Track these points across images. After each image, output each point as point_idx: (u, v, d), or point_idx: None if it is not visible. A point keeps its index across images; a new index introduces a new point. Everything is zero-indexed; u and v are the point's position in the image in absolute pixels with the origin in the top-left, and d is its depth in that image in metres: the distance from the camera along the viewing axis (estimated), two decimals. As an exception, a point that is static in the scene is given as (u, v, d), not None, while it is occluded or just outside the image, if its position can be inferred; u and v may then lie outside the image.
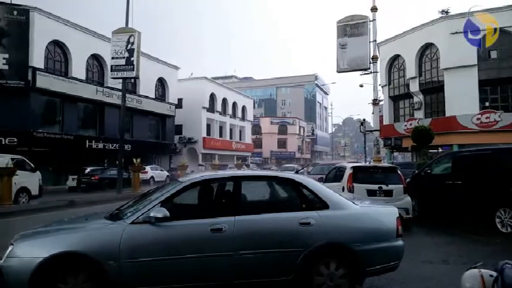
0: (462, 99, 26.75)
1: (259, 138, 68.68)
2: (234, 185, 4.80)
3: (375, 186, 9.70)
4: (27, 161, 16.33)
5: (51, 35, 26.65)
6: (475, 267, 2.84)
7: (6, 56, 24.35)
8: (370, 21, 18.20)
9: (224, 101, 50.48)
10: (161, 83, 39.53)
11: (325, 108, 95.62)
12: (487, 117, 25.96)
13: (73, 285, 3.92)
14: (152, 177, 29.90)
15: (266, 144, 69.49)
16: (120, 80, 22.00)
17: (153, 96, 37.37)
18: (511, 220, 8.88)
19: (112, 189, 21.52)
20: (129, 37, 20.82)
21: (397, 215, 4.89)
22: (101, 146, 29.73)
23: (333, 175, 11.79)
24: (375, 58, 18.24)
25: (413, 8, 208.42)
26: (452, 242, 8.48)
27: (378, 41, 19.40)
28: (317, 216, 4.56)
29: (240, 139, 56.03)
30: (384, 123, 33.72)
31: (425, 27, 29.98)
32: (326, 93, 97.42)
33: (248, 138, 58.70)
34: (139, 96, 34.78)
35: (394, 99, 35.17)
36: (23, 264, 3.89)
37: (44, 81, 25.62)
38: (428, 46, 30.26)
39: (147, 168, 29.81)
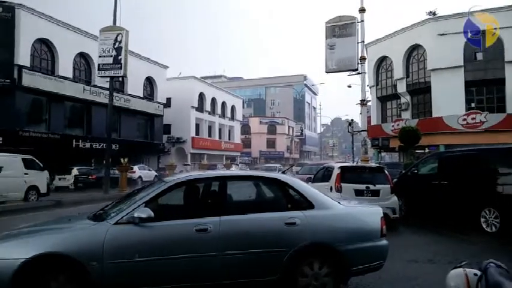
0: (448, 100, 27.05)
1: (248, 138, 68.65)
2: (219, 185, 4.78)
3: (363, 186, 9.76)
4: (36, 160, 16.79)
5: (37, 32, 26.23)
6: (460, 267, 2.84)
7: (-9, 53, 23.91)
8: (358, 22, 18.30)
9: (213, 100, 50.31)
10: (149, 82, 39.22)
11: (314, 108, 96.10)
12: (473, 118, 26.29)
13: (55, 287, 3.85)
14: (140, 177, 29.66)
15: (255, 144, 69.51)
16: (108, 79, 21.77)
17: (141, 96, 37.04)
18: (496, 220, 8.98)
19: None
20: (117, 35, 20.61)
21: (382, 215, 4.91)
22: (88, 145, 29.37)
23: (321, 175, 11.84)
24: (363, 59, 18.34)
25: (401, 9, 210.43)
26: (439, 242, 8.56)
27: (366, 42, 19.54)
28: (302, 216, 4.56)
29: (229, 139, 55.93)
30: (372, 124, 33.96)
31: (412, 28, 30.24)
32: (315, 94, 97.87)
33: (237, 138, 58.63)
34: (127, 95, 34.46)
35: (382, 99, 35.43)
36: (5, 265, 3.80)
37: (30, 80, 25.21)
38: (415, 47, 30.53)
39: (135, 168, 29.54)
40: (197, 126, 47.05)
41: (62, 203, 16.06)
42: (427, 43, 29.02)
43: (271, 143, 71.62)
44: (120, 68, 20.45)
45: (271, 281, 4.36)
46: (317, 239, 4.51)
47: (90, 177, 24.26)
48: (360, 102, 19.05)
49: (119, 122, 33.87)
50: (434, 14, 31.11)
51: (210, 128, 50.25)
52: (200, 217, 4.38)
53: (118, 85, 32.07)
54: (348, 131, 36.51)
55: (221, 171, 7.17)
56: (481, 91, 27.69)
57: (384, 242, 4.78)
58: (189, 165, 41.17)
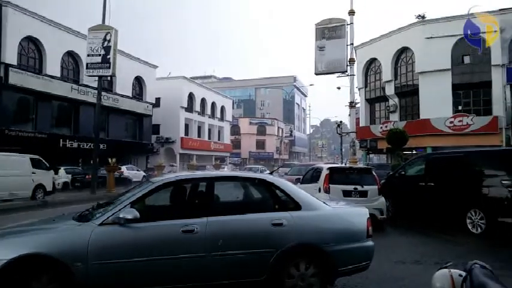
0: (436, 102, 27.33)
1: (238, 139, 68.61)
2: (206, 185, 4.75)
3: (351, 187, 9.82)
4: (42, 160, 17.48)
5: (25, 30, 25.85)
6: (445, 267, 2.86)
7: (-23, 51, 23.55)
8: (347, 24, 18.41)
9: (203, 101, 50.16)
10: (138, 81, 38.96)
11: (304, 109, 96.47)
12: (459, 121, 26.60)
13: None
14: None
15: (245, 145, 69.51)
16: (96, 78, 21.58)
17: (130, 95, 36.79)
18: (481, 221, 9.09)
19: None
20: (106, 34, 20.47)
21: (368, 216, 4.94)
22: (75, 145, 29.07)
23: (310, 176, 11.88)
24: (352, 61, 18.45)
25: (390, 12, 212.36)
26: (425, 243, 8.64)
27: (355, 44, 19.66)
28: (289, 217, 4.56)
29: (219, 139, 55.80)
30: (360, 125, 34.17)
31: (401, 31, 30.52)
32: (304, 95, 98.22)
33: (227, 138, 58.53)
34: (116, 94, 34.19)
35: (371, 101, 35.68)
36: None
37: (17, 78, 24.86)
38: (403, 50, 30.82)
39: (123, 168, 29.30)
40: (186, 126, 46.88)
41: (48, 203, 15.95)
42: (415, 46, 29.31)
43: (260, 144, 71.70)
44: (109, 68, 20.31)
45: (258, 282, 4.35)
46: (304, 239, 4.51)
47: (87, 177, 24.09)
48: (348, 104, 19.15)
49: (107, 122, 33.60)
50: (423, 17, 31.42)
51: (199, 128, 50.10)
52: (187, 218, 4.35)
53: (106, 84, 31.83)
54: (337, 133, 36.76)
55: (208, 172, 7.12)
56: (468, 94, 28.04)
57: (370, 242, 4.80)
58: (175, 165, 40.83)
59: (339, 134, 36.34)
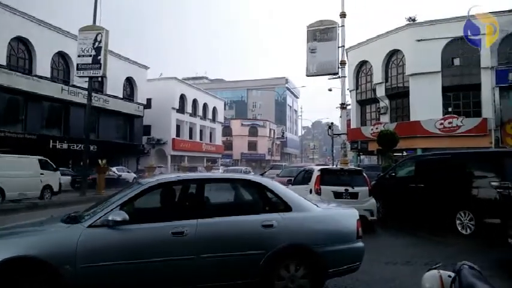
0: (426, 104, 27.54)
1: (230, 140, 68.50)
2: (197, 187, 4.73)
3: (341, 189, 9.86)
4: (50, 162, 18.52)
5: (14, 30, 25.57)
6: (435, 268, 2.89)
7: (-35, 51, 23.27)
8: (339, 26, 18.45)
9: (194, 102, 49.99)
10: (129, 82, 38.72)
11: (295, 111, 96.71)
12: (449, 122, 26.82)
13: None
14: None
15: (237, 146, 69.43)
16: (87, 79, 21.41)
17: (121, 96, 36.52)
18: (471, 222, 9.17)
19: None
20: (97, 35, 20.30)
21: (358, 217, 4.96)
22: (65, 146, 28.81)
23: (301, 177, 11.92)
24: (343, 63, 18.49)
25: (381, 15, 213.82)
26: (415, 244, 8.69)
27: (346, 47, 19.70)
28: (280, 218, 4.56)
29: (211, 141, 55.64)
30: (352, 127, 34.29)
31: (392, 34, 30.70)
32: (296, 97, 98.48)
33: (218, 140, 58.40)
34: (107, 95, 33.95)
35: (362, 103, 35.83)
36: None
37: (6, 79, 24.56)
38: (394, 52, 31.00)
39: (114, 169, 29.08)
40: (178, 127, 46.66)
41: (37, 204, 15.77)
42: (406, 48, 29.51)
43: (252, 145, 71.67)
44: (100, 68, 20.15)
45: (249, 284, 4.34)
46: (294, 240, 4.52)
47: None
48: (340, 105, 19.20)
49: (98, 123, 33.31)
50: (413, 20, 31.63)
51: (191, 129, 49.89)
52: (177, 220, 4.33)
53: (97, 85, 31.59)
54: (328, 134, 36.81)
55: (199, 174, 7.10)
56: (457, 96, 28.28)
57: (360, 244, 4.82)
58: (163, 167, 40.24)
59: (330, 135, 36.41)
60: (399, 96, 31.12)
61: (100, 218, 4.12)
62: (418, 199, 10.57)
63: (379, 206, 10.75)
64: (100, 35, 20.25)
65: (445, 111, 27.93)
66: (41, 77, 27.36)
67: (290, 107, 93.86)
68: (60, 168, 24.59)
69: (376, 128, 29.68)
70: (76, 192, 21.11)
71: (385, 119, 31.77)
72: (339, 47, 18.39)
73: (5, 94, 25.29)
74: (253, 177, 5.73)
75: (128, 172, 32.15)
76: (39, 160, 17.67)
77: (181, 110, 46.54)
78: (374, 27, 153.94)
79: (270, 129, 75.42)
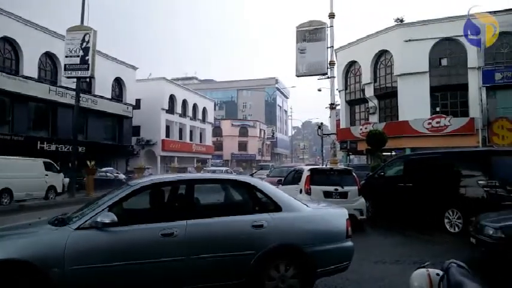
0: (414, 104, 27.80)
1: (220, 141, 68.40)
2: (186, 188, 4.70)
3: (331, 188, 9.91)
4: (54, 164, 19.72)
5: (0, 30, 25.15)
6: (423, 267, 2.91)
7: (-51, 51, 22.86)
8: (327, 27, 18.55)
9: (184, 102, 49.73)
10: (118, 83, 38.38)
11: (285, 111, 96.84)
12: (437, 122, 27.09)
13: None
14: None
15: (227, 147, 69.34)
16: (75, 80, 21.19)
17: (110, 97, 36.15)
18: (459, 220, 9.27)
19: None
20: (85, 35, 20.15)
21: (347, 217, 4.99)
22: (53, 147, 28.42)
23: (291, 177, 11.94)
24: (332, 63, 18.60)
25: (368, 17, 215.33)
26: (404, 242, 8.76)
27: (335, 47, 19.82)
28: (270, 219, 4.56)
29: (201, 141, 55.43)
30: (341, 127, 34.48)
31: (380, 34, 30.91)
32: (286, 97, 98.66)
33: (209, 140, 58.21)
34: (95, 96, 33.58)
35: (351, 103, 36.03)
36: None
37: (-9, 79, 24.20)
38: (383, 53, 31.22)
39: (107, 169, 28.86)
40: (167, 128, 46.40)
41: (25, 206, 15.59)
42: (394, 49, 29.74)
43: (243, 146, 71.65)
44: (87, 69, 20.00)
45: (239, 284, 4.33)
46: (284, 241, 4.52)
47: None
48: (329, 105, 19.29)
49: (86, 124, 32.93)
50: (401, 21, 31.93)
51: (180, 130, 49.64)
52: (166, 221, 4.30)
53: (85, 86, 31.25)
54: (318, 134, 36.94)
55: (188, 174, 7.07)
56: (445, 96, 28.58)
57: (349, 243, 4.84)
58: (150, 168, 39.70)
59: (320, 135, 36.55)
60: (388, 96, 31.35)
61: (88, 220, 4.08)
62: (406, 198, 10.66)
63: (369, 206, 10.81)
64: (88, 35, 20.10)
65: (433, 111, 28.21)
66: (27, 78, 26.94)
67: (280, 107, 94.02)
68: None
69: (365, 128, 29.87)
70: (65, 194, 20.88)
71: (374, 119, 31.97)
72: (328, 48, 18.49)
73: (-9, 95, 24.90)
74: (243, 177, 5.73)
75: (117, 173, 31.86)
76: (44, 162, 18.83)
77: (170, 110, 46.26)
78: (361, 29, 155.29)
79: (260, 130, 75.48)
